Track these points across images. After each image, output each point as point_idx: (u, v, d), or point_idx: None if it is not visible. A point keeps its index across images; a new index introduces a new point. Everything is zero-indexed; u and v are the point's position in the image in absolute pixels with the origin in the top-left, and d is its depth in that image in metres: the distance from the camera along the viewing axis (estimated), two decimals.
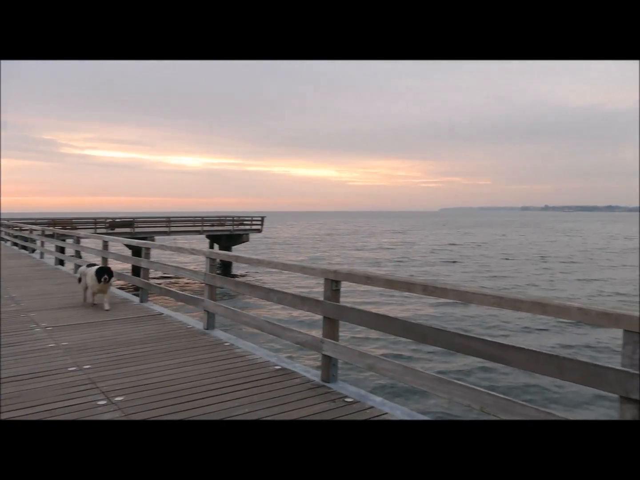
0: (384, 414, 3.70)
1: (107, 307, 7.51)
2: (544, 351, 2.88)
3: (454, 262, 33.10)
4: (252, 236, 33.55)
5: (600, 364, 2.63)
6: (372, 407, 3.84)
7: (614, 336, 12.07)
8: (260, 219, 33.16)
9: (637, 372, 2.42)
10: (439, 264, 31.96)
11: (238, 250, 30.19)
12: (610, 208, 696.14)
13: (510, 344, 3.03)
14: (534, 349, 2.91)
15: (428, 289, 3.51)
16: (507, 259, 35.54)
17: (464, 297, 3.27)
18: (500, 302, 3.04)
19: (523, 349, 2.93)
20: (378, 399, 4.06)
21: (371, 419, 3.63)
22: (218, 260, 7.22)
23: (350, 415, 3.69)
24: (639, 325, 2.39)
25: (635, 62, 2.15)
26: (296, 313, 14.36)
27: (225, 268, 26.00)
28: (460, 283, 3.63)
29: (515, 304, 2.96)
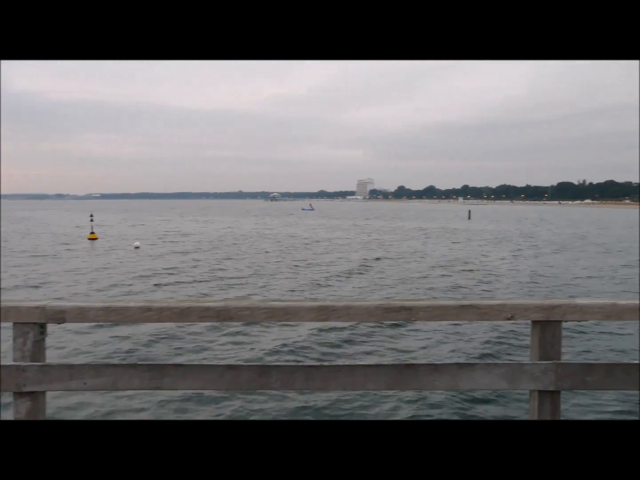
0: None
1: None
2: None
3: None
4: None
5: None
6: None
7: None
8: None
9: (30, 363, 2.14)
10: None
11: None
12: (60, 196, 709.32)
13: None
14: None
15: None
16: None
17: None
18: None
19: None
20: None
21: None
22: None
23: None
24: (27, 316, 2.15)
25: (636, 62, 2.29)
26: None
27: None
28: None
29: None
